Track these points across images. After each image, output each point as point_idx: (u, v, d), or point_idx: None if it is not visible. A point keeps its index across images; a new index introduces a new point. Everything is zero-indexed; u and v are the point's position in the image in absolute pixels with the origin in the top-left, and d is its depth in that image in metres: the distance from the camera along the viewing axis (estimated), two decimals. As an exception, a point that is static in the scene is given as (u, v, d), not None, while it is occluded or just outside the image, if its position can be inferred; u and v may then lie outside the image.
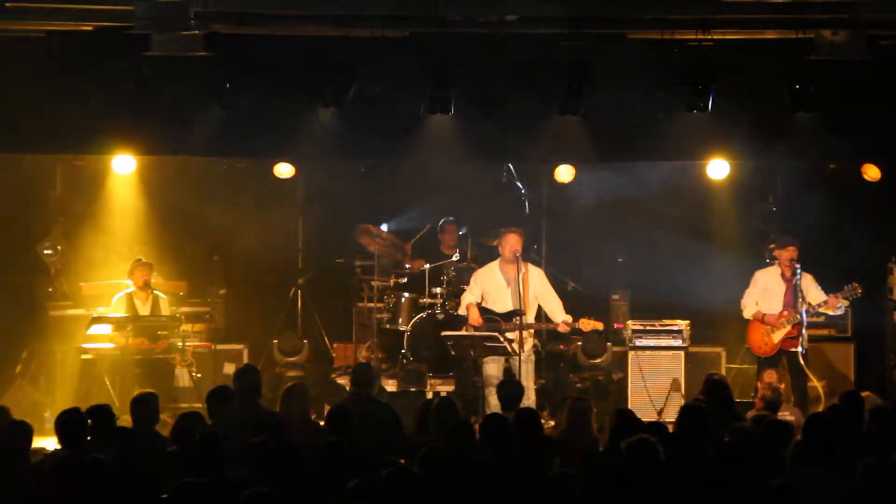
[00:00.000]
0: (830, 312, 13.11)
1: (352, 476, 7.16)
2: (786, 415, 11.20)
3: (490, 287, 12.86)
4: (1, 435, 8.22)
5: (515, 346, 12.35)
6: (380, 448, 8.70)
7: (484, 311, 12.76)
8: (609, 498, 7.08)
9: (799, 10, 11.80)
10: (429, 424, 9.21)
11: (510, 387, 10.64)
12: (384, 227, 15.59)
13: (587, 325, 12.72)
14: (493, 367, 12.60)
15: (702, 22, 12.05)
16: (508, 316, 12.64)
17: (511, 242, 12.71)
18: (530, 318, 12.75)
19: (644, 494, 7.20)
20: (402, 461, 7.96)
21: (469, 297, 12.91)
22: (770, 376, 11.39)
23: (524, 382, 11.67)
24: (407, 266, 15.28)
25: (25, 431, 8.24)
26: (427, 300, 14.78)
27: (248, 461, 7.60)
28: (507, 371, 12.60)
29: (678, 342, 14.15)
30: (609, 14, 12.05)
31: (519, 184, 15.72)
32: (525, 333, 12.50)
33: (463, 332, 12.80)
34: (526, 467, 7.84)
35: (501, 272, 12.83)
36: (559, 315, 12.79)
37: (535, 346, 13.29)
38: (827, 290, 13.09)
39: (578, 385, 14.36)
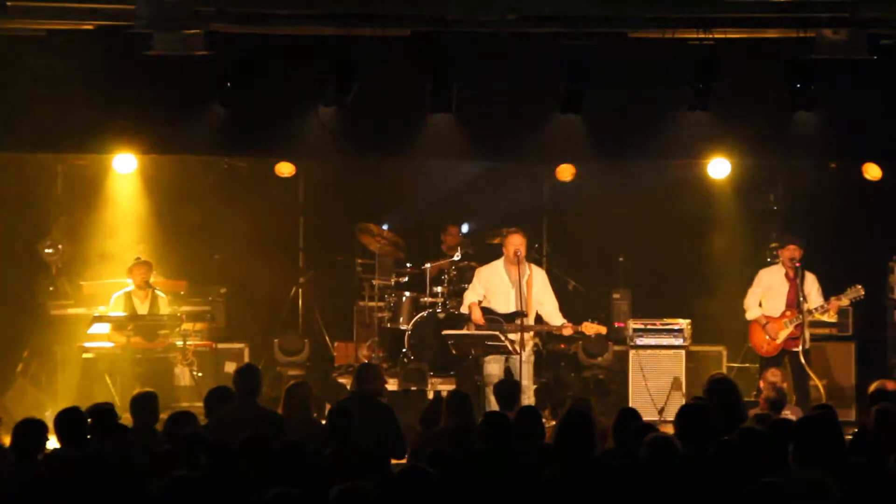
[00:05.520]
0: (825, 319, 13.06)
1: (353, 477, 7.13)
2: (787, 414, 11.18)
3: (493, 286, 12.82)
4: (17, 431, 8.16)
5: (517, 345, 12.34)
6: (379, 448, 8.69)
7: (486, 310, 12.74)
8: (623, 497, 7.06)
9: (800, 10, 11.76)
10: (440, 419, 9.20)
11: (505, 385, 10.61)
12: (385, 227, 15.58)
13: (590, 328, 12.70)
14: (493, 367, 12.58)
15: (702, 21, 12.03)
16: (511, 317, 12.62)
17: (514, 243, 12.65)
18: (532, 319, 12.74)
19: (660, 493, 7.19)
20: (404, 461, 7.95)
21: (471, 296, 12.88)
22: (774, 375, 11.36)
23: (524, 382, 11.65)
24: (408, 265, 15.26)
25: (40, 429, 8.17)
26: (428, 299, 14.77)
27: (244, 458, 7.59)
28: (508, 371, 12.59)
29: (679, 341, 14.14)
30: (609, 13, 12.03)
31: (520, 183, 15.69)
32: (527, 334, 12.50)
33: (464, 331, 12.80)
34: (527, 465, 7.82)
35: (505, 272, 12.79)
36: (556, 318, 12.74)
37: (535, 345, 13.28)
38: (828, 290, 13.08)
39: (579, 384, 14.35)
